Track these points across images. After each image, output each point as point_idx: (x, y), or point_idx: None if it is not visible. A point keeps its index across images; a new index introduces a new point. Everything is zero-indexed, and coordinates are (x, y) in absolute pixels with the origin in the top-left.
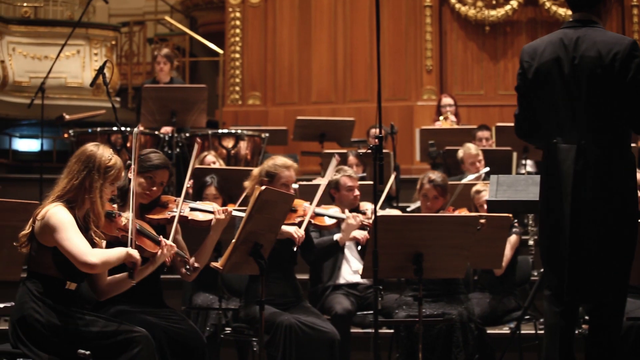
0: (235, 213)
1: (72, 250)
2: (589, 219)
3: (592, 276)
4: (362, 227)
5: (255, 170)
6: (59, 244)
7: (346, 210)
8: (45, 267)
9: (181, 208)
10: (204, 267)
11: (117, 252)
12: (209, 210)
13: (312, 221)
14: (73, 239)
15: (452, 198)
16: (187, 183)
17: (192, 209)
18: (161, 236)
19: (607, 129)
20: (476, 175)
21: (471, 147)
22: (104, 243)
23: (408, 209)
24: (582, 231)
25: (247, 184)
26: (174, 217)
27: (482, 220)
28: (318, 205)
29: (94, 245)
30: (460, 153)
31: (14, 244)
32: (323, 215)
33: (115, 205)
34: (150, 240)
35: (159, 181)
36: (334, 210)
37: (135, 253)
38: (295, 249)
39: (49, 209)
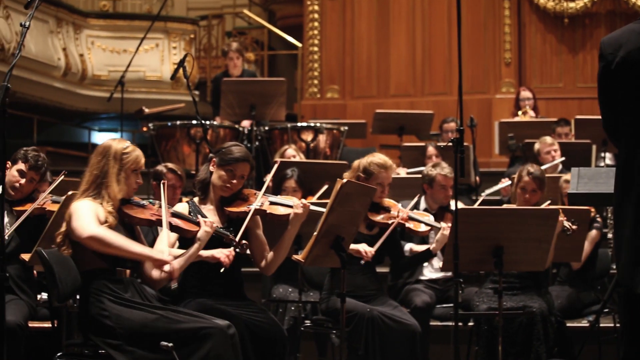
0: (313, 207)
1: (73, 222)
2: None
3: None
4: None
5: (355, 163)
6: (70, 227)
7: (442, 223)
8: (91, 262)
9: (260, 201)
10: (284, 260)
11: (131, 245)
12: (288, 205)
13: (406, 224)
14: (80, 215)
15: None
16: (268, 179)
17: (272, 203)
18: (200, 217)
19: None
20: (552, 163)
21: (547, 138)
22: (175, 236)
23: (484, 192)
24: None
25: (347, 175)
26: (250, 210)
27: (574, 227)
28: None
29: (135, 237)
30: (537, 145)
31: (52, 246)
32: (417, 221)
33: (195, 198)
34: (188, 222)
35: (240, 174)
36: (429, 218)
37: (164, 257)
38: (362, 262)
39: (71, 206)
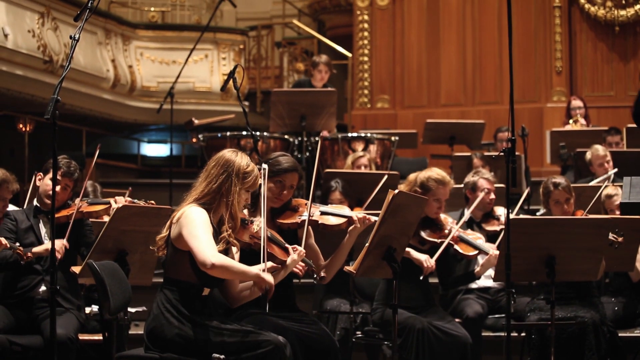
0: (373, 218)
1: (195, 246)
2: None
3: None
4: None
5: (412, 176)
6: (186, 240)
7: (491, 249)
8: (183, 273)
9: (310, 212)
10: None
11: (245, 267)
12: (341, 214)
13: (454, 246)
14: (200, 236)
15: (591, 203)
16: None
17: (323, 213)
18: (289, 245)
19: None
20: (604, 176)
21: (599, 149)
22: (237, 254)
23: (538, 213)
24: None
25: (402, 187)
26: (304, 221)
27: (620, 239)
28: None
29: (226, 252)
30: (588, 155)
31: (151, 247)
32: (467, 243)
33: (245, 211)
34: (280, 248)
35: (289, 184)
36: (481, 242)
37: (268, 277)
38: (422, 277)
39: (185, 210)
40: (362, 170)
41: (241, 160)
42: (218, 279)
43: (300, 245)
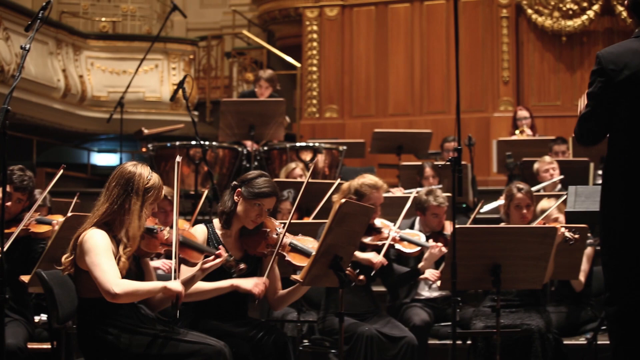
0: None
1: (99, 276)
2: None
3: None
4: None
5: (345, 185)
6: (88, 268)
7: (430, 240)
8: (95, 291)
9: (282, 241)
10: (282, 280)
11: (151, 286)
12: (310, 252)
13: (396, 245)
14: (102, 265)
15: (547, 212)
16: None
17: (293, 248)
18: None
19: None
20: (550, 182)
21: (546, 157)
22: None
23: (482, 210)
24: None
25: (335, 197)
26: (272, 251)
27: (576, 236)
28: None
29: (138, 261)
30: (536, 165)
31: (56, 267)
32: (407, 241)
33: (216, 222)
34: (196, 251)
35: (267, 208)
36: (419, 237)
37: (174, 286)
38: (372, 274)
39: (85, 235)
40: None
41: (141, 175)
42: None
43: (263, 275)
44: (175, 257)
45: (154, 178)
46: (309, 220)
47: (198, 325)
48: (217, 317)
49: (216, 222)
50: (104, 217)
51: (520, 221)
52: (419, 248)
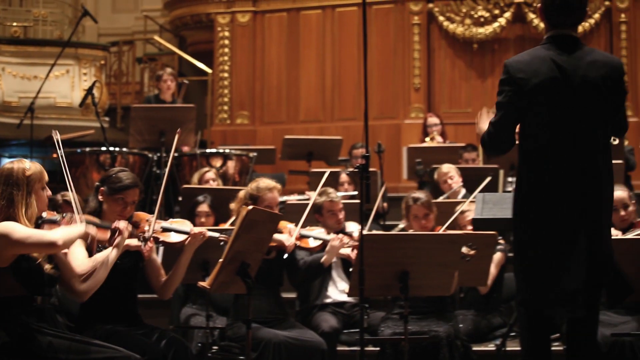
0: (210, 234)
1: (32, 238)
2: (597, 234)
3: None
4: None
5: (241, 193)
6: (16, 245)
7: (331, 233)
8: (8, 289)
9: (153, 229)
10: (189, 286)
11: (76, 228)
12: (182, 231)
13: (298, 243)
14: (27, 231)
15: (450, 219)
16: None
17: (165, 229)
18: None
19: (605, 146)
20: (450, 192)
21: (443, 167)
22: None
23: (396, 229)
24: (593, 248)
25: (233, 206)
26: (145, 238)
27: (472, 252)
28: (303, 226)
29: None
30: (435, 175)
31: None
32: (308, 237)
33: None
34: (101, 228)
35: (131, 201)
36: (319, 232)
37: (90, 228)
38: (285, 257)
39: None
40: (211, 184)
41: (19, 167)
42: (49, 284)
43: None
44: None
45: (34, 166)
46: (225, 226)
47: (97, 330)
48: (109, 321)
49: None
50: None
51: (420, 231)
52: (320, 242)
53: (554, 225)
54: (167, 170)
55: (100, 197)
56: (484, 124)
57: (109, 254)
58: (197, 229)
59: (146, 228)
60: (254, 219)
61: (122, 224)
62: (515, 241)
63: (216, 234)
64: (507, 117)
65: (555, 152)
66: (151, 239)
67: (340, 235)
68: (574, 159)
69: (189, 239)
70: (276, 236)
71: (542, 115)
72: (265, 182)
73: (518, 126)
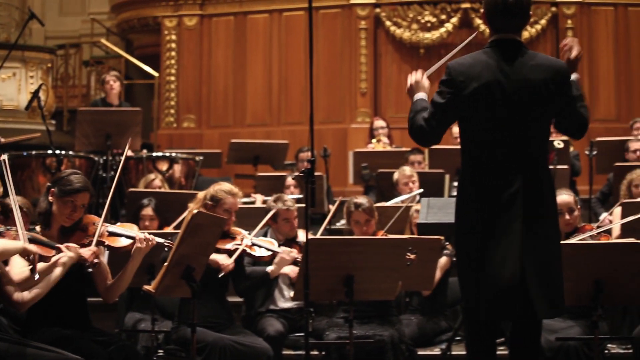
0: (157, 239)
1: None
2: (535, 238)
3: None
4: (295, 262)
5: (201, 194)
6: None
7: (282, 247)
8: None
9: (100, 231)
10: (135, 289)
11: (14, 244)
12: (128, 235)
13: (248, 251)
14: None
15: (390, 223)
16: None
17: (112, 234)
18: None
19: (545, 150)
20: (407, 196)
21: (406, 169)
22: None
23: (339, 223)
24: (529, 250)
25: (191, 206)
26: (91, 241)
27: (412, 257)
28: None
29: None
30: (396, 175)
31: None
32: (258, 246)
33: (37, 228)
34: (44, 247)
35: (80, 204)
36: (270, 243)
37: (30, 247)
38: (220, 276)
39: None
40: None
41: None
42: None
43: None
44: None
45: None
46: (169, 230)
47: (43, 333)
48: (57, 324)
49: (38, 228)
50: None
51: (361, 236)
52: (269, 253)
53: (492, 231)
54: (117, 175)
55: (50, 198)
56: (418, 91)
57: (53, 271)
58: (142, 234)
59: (94, 232)
60: (199, 222)
61: (71, 246)
62: (457, 246)
63: (162, 240)
64: (441, 119)
65: (494, 155)
66: (96, 264)
67: (289, 250)
68: (514, 162)
69: (135, 243)
70: (213, 256)
71: (482, 118)
72: (228, 186)
73: (458, 129)
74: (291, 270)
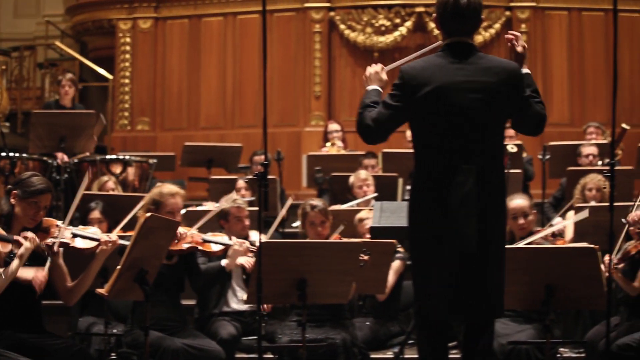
0: (121, 241)
1: None
2: (488, 239)
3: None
4: (248, 253)
5: (145, 198)
6: None
7: (233, 237)
8: None
9: (63, 234)
10: (88, 293)
11: None
12: (92, 237)
13: (200, 247)
14: None
15: (340, 227)
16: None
17: (75, 235)
18: (15, 235)
19: (498, 152)
20: (362, 199)
21: (361, 173)
22: None
23: (293, 224)
24: (484, 251)
25: (139, 212)
26: (54, 243)
27: (366, 258)
28: (205, 232)
29: None
30: (352, 178)
31: None
32: (210, 241)
33: None
34: (2, 241)
35: (43, 205)
36: (221, 237)
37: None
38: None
39: None
40: (110, 193)
41: None
42: None
43: (44, 266)
44: None
45: None
46: (116, 230)
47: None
48: (10, 327)
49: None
50: None
51: (316, 238)
52: (222, 247)
53: (442, 234)
54: (85, 179)
55: (12, 200)
56: (374, 83)
57: (10, 264)
58: (106, 236)
59: (56, 234)
60: (152, 225)
61: (29, 234)
62: (410, 249)
63: (126, 242)
64: (390, 120)
65: (446, 158)
66: (58, 246)
67: (241, 240)
68: (465, 164)
69: (100, 246)
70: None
71: (434, 122)
72: (168, 188)
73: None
74: (246, 261)
